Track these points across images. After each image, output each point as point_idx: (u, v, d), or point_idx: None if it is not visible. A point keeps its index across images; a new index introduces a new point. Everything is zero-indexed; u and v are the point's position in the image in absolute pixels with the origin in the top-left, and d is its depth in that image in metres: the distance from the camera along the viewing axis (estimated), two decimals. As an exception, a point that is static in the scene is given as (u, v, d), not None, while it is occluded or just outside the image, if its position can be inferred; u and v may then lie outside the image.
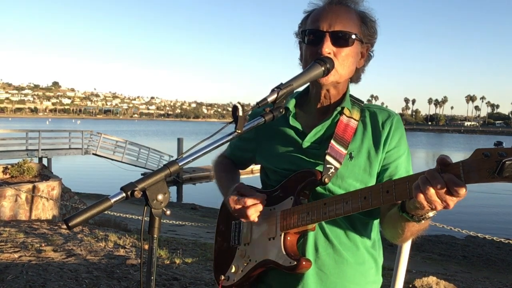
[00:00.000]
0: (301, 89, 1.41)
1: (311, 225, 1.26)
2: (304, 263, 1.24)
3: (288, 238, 1.28)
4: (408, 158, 1.35)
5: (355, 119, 1.33)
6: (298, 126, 1.35)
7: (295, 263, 1.23)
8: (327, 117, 1.33)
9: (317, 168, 1.29)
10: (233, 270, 1.38)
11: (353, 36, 1.26)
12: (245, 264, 1.35)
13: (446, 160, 0.98)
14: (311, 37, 1.29)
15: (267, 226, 1.32)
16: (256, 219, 1.28)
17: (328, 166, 1.26)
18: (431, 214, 1.07)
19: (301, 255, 1.27)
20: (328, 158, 1.27)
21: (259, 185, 1.52)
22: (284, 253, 1.26)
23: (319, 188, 1.29)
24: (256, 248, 1.33)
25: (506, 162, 0.90)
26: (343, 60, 1.27)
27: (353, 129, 1.31)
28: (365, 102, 1.40)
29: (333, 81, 1.28)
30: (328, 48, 1.24)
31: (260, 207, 1.28)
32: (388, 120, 1.33)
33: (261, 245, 1.32)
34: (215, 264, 1.50)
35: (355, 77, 1.37)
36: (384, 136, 1.31)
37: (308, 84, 1.38)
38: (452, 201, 0.98)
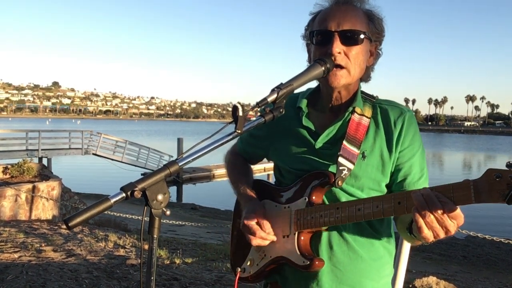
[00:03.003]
0: (312, 86, 1.42)
1: (324, 226, 1.28)
2: (317, 262, 1.25)
3: (302, 237, 1.30)
4: (422, 156, 1.33)
5: (367, 117, 1.32)
6: (311, 126, 1.35)
7: (308, 262, 1.25)
8: (338, 117, 1.33)
9: (330, 169, 1.29)
10: (248, 263, 1.41)
11: (362, 35, 1.26)
12: (260, 259, 1.38)
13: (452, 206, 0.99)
14: (319, 37, 1.28)
15: (282, 223, 1.34)
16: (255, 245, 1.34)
17: (341, 168, 1.26)
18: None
19: (314, 255, 1.29)
20: (340, 159, 1.26)
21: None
22: (298, 252, 1.28)
23: (334, 188, 1.29)
24: (271, 244, 1.34)
25: None
26: (354, 58, 1.26)
27: (365, 127, 1.31)
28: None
29: (345, 83, 1.28)
30: (338, 47, 1.23)
31: (266, 243, 1.32)
32: (400, 117, 1.31)
33: (275, 241, 1.34)
34: (232, 256, 1.53)
35: (365, 76, 1.36)
36: (396, 135, 1.29)
37: (319, 83, 1.39)
38: (452, 226, 1.00)
